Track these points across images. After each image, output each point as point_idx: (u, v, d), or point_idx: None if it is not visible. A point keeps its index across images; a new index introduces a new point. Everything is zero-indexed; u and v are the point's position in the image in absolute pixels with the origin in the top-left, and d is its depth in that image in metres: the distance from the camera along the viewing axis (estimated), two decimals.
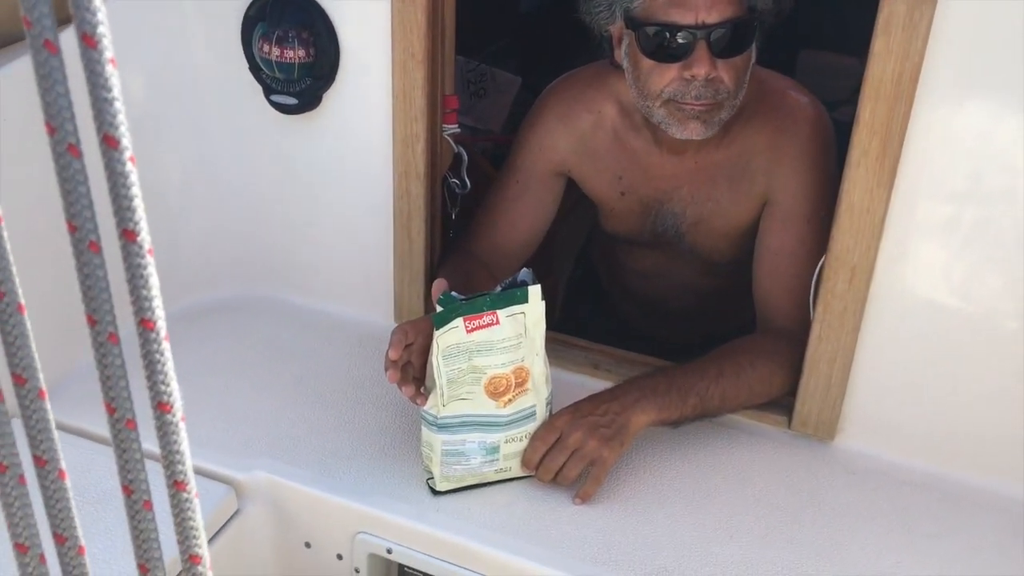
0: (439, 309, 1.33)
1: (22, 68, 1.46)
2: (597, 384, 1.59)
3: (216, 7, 1.68)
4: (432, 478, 1.42)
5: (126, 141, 0.37)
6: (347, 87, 1.65)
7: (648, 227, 1.76)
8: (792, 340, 1.54)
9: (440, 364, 1.34)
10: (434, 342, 1.34)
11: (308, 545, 1.48)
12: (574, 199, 1.87)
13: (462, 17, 1.66)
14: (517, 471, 1.44)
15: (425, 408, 1.39)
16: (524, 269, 1.38)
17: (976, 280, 1.41)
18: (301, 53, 1.62)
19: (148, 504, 0.41)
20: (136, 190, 0.38)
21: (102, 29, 0.36)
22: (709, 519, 1.40)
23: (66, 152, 0.36)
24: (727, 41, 1.43)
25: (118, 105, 0.37)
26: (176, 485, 0.42)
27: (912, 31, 1.25)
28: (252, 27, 1.65)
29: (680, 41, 1.43)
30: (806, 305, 1.53)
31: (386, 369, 1.37)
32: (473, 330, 1.33)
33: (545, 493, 1.43)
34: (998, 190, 1.34)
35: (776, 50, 1.58)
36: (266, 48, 1.63)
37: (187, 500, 0.42)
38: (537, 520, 1.39)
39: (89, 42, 0.35)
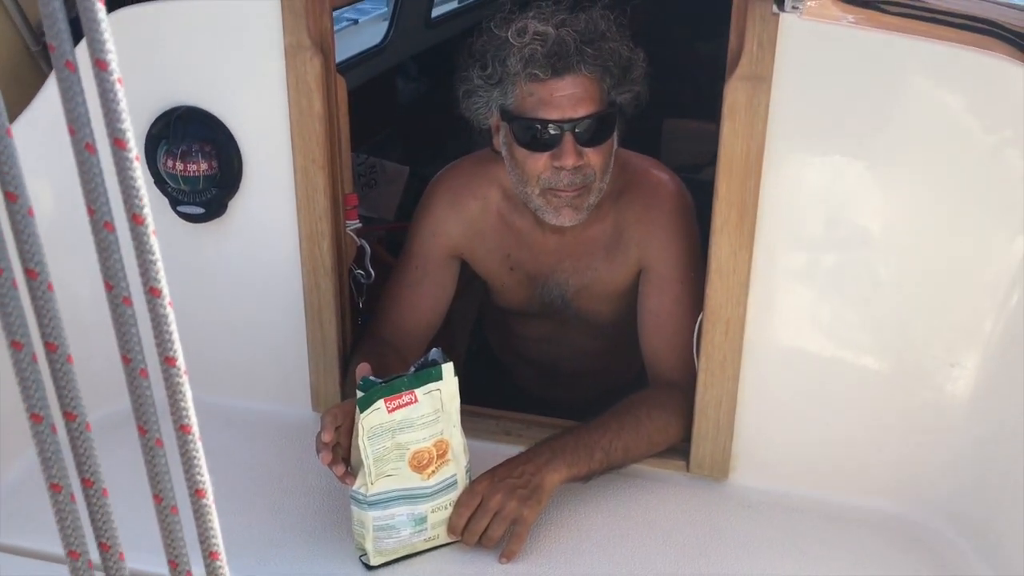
0: (360, 394, 1.43)
1: None
2: (510, 449, 1.70)
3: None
4: (365, 554, 1.50)
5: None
6: (252, 194, 1.76)
7: (537, 298, 1.92)
8: (682, 389, 1.70)
9: (366, 445, 1.43)
10: (358, 424, 1.43)
11: None
12: (467, 277, 2.00)
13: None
14: (444, 537, 1.54)
15: (354, 488, 1.47)
16: (434, 349, 1.50)
17: (836, 321, 1.60)
18: (205, 166, 1.72)
19: (175, 509, 0.51)
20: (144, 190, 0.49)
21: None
22: (624, 561, 1.52)
23: (102, 228, 0.47)
24: (591, 132, 1.61)
25: (144, 190, 0.49)
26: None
27: (753, 114, 1.45)
28: (155, 145, 1.74)
29: (550, 133, 1.60)
30: (690, 357, 1.70)
31: (318, 452, 1.45)
32: (394, 410, 1.44)
33: (472, 556, 1.52)
34: (845, 241, 1.54)
35: (643, 119, 1.76)
36: (170, 163, 1.73)
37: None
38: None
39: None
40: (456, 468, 1.52)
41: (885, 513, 1.64)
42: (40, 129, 1.65)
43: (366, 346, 1.81)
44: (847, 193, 1.51)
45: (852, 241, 1.54)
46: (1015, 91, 1.42)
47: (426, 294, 1.87)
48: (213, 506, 0.51)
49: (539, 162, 1.63)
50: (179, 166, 1.72)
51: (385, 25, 3.71)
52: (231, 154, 1.73)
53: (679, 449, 1.72)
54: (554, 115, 1.59)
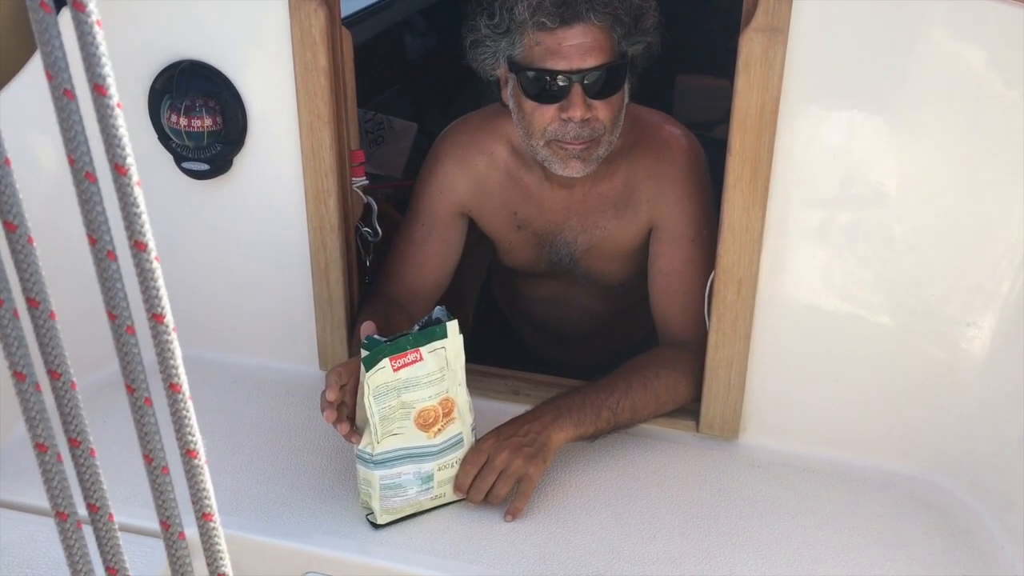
0: (364, 353, 1.42)
1: None
2: (518, 409, 1.69)
3: (120, 82, 1.74)
4: (372, 513, 1.50)
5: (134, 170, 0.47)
6: (257, 150, 1.74)
7: (545, 257, 1.89)
8: (692, 350, 1.68)
9: (372, 403, 1.42)
10: (364, 383, 1.42)
11: None
12: (476, 236, 1.98)
13: (355, 68, 1.76)
14: (451, 496, 1.53)
15: (360, 447, 1.47)
16: (438, 307, 1.49)
17: (849, 280, 1.57)
18: (209, 121, 1.70)
19: (166, 469, 0.50)
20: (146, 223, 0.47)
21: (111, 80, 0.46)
22: (632, 522, 1.52)
23: (84, 179, 0.46)
24: (600, 84, 1.57)
25: (126, 139, 0.47)
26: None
27: (768, 68, 1.42)
28: (159, 99, 1.72)
29: (558, 84, 1.56)
30: (701, 317, 1.67)
31: (323, 410, 1.44)
32: (399, 368, 1.43)
33: (479, 514, 1.52)
34: (860, 198, 1.51)
35: (655, 75, 1.72)
36: (174, 119, 1.70)
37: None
38: (475, 541, 1.48)
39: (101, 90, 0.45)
40: (462, 426, 1.51)
41: (896, 474, 1.63)
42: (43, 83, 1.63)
43: (372, 304, 1.80)
44: (864, 149, 1.48)
45: (868, 199, 1.51)
46: None
47: (433, 252, 1.85)
48: (205, 466, 0.50)
49: (547, 114, 1.59)
50: (183, 121, 1.70)
51: None
52: (235, 109, 1.70)
53: (689, 409, 1.71)
54: (562, 65, 1.55)
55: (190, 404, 0.51)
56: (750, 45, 1.41)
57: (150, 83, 1.72)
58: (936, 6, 1.39)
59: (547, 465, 1.52)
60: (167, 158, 1.76)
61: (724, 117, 1.51)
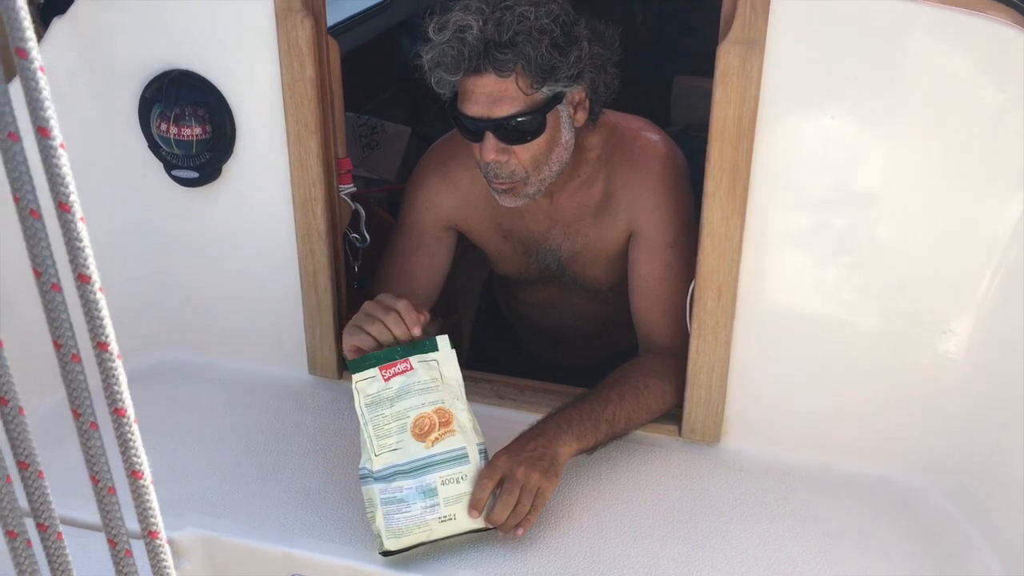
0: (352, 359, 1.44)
1: None
2: (504, 413, 1.72)
3: (111, 91, 1.77)
4: (380, 538, 1.44)
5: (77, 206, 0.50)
6: (245, 158, 1.76)
7: (533, 265, 1.92)
8: (673, 356, 1.70)
9: (364, 411, 1.44)
10: (354, 388, 1.45)
11: None
12: (466, 244, 2.01)
13: (348, 74, 1.78)
14: (463, 519, 1.44)
15: (360, 466, 1.46)
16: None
17: (828, 286, 1.59)
18: (198, 130, 1.72)
19: (112, 490, 0.53)
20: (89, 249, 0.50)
21: (54, 123, 0.48)
22: (613, 525, 1.54)
23: (28, 216, 0.48)
24: (512, 132, 1.57)
25: (70, 178, 0.49)
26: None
27: (746, 79, 1.44)
28: (149, 108, 1.74)
29: (474, 128, 1.59)
30: (682, 323, 1.69)
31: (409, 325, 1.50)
32: (390, 377, 1.45)
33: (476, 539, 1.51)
34: (837, 206, 1.53)
35: (653, 76, 1.73)
36: (164, 127, 1.73)
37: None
38: (454, 543, 1.49)
39: (44, 133, 0.47)
40: (464, 442, 1.46)
41: (875, 478, 1.65)
42: None
43: None
44: (840, 158, 1.50)
45: (845, 206, 1.53)
46: (1015, 56, 1.39)
47: (421, 264, 1.88)
48: (151, 486, 0.52)
49: (475, 150, 1.64)
50: (173, 130, 1.72)
51: None
52: (224, 118, 1.73)
53: (671, 414, 1.73)
54: (474, 111, 1.57)
55: (135, 427, 0.53)
56: (727, 57, 1.43)
57: (140, 92, 1.75)
58: (913, 18, 1.41)
59: (559, 480, 1.51)
60: (157, 166, 1.79)
61: None
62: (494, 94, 1.54)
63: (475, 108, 1.56)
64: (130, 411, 0.52)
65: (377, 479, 1.43)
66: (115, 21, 1.72)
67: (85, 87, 1.77)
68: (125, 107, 1.76)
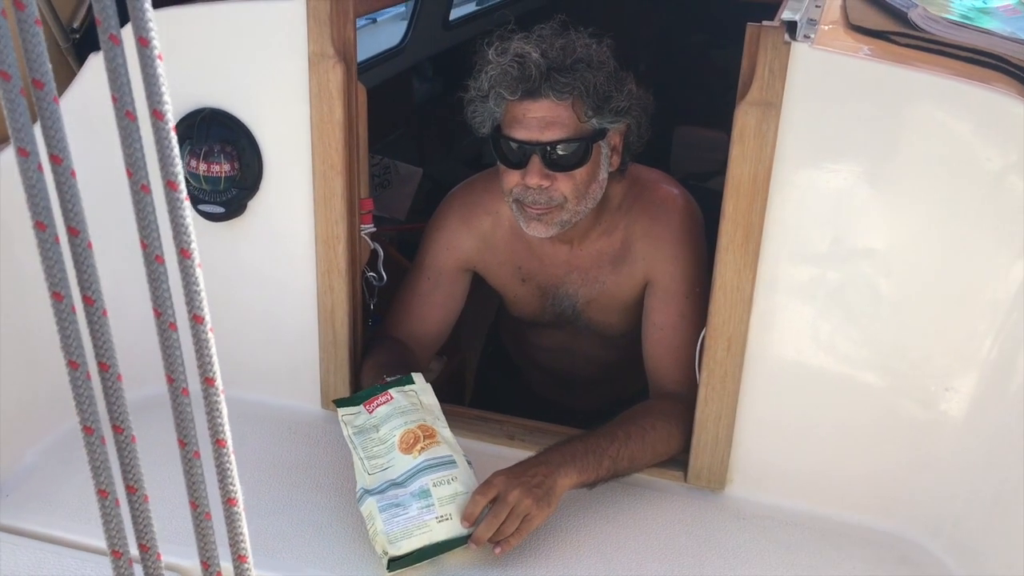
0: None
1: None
2: (514, 453, 1.75)
3: (143, 127, 1.81)
4: (384, 552, 1.50)
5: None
6: (271, 196, 1.81)
7: (548, 309, 1.97)
8: (684, 402, 1.74)
9: (353, 438, 1.59)
10: (341, 421, 1.62)
11: None
12: (475, 284, 2.05)
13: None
14: (459, 523, 1.52)
15: (356, 490, 1.57)
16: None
17: (835, 341, 1.64)
18: (227, 167, 1.77)
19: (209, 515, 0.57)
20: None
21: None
22: (620, 568, 1.57)
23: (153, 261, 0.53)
24: (560, 157, 1.65)
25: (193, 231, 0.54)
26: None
27: (762, 139, 1.50)
28: (180, 144, 1.79)
29: (519, 153, 1.65)
30: (692, 371, 1.74)
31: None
32: (373, 409, 1.61)
33: (474, 555, 1.56)
34: (846, 263, 1.58)
35: (653, 125, 1.79)
36: (193, 163, 1.77)
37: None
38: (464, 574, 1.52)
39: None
40: (450, 451, 1.58)
41: (876, 530, 1.68)
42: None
43: (387, 345, 1.90)
44: (851, 218, 1.55)
45: (854, 264, 1.58)
46: (1017, 125, 1.46)
47: (437, 304, 1.93)
48: (243, 513, 0.56)
49: (512, 177, 1.69)
50: (202, 166, 1.77)
51: (404, 25, 3.76)
52: (252, 156, 1.78)
53: (678, 460, 1.77)
54: (522, 135, 1.64)
55: (232, 457, 0.57)
56: (745, 118, 1.49)
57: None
58: (922, 87, 1.48)
59: (551, 511, 1.55)
60: None
61: (721, 168, 1.59)
62: (547, 118, 1.61)
63: (525, 132, 1.63)
64: (230, 442, 0.55)
65: (372, 493, 1.54)
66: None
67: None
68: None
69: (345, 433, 1.60)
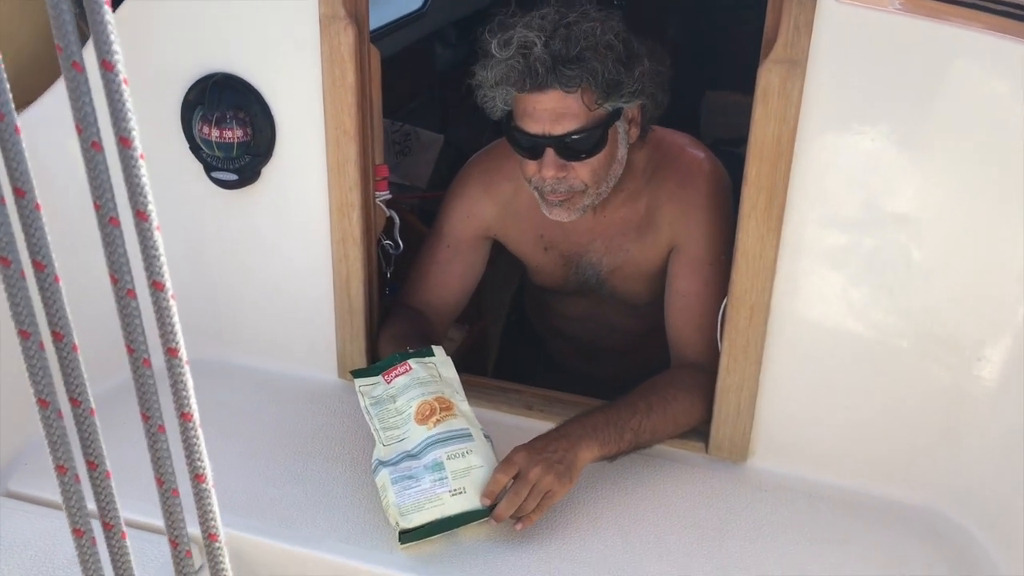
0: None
1: None
2: (532, 423, 1.72)
3: (154, 93, 1.79)
4: (396, 523, 1.49)
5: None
6: (284, 162, 1.78)
7: (572, 277, 1.93)
8: (705, 372, 1.70)
9: (369, 408, 1.57)
10: (358, 392, 1.58)
11: None
12: (498, 251, 2.01)
13: (383, 80, 1.79)
14: (473, 496, 1.49)
15: (372, 459, 1.56)
16: None
17: (861, 308, 1.59)
18: (239, 133, 1.74)
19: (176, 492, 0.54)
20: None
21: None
22: (639, 541, 1.54)
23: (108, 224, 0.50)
24: (574, 148, 1.59)
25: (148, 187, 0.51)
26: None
27: (786, 99, 1.44)
28: (191, 111, 1.77)
29: (533, 145, 1.60)
30: (715, 340, 1.69)
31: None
32: (391, 380, 1.57)
33: (488, 528, 1.54)
34: (873, 228, 1.52)
35: (683, 91, 1.74)
36: (206, 130, 1.75)
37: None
38: (482, 555, 1.50)
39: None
40: (467, 424, 1.55)
41: (902, 502, 1.64)
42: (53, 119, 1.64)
43: (401, 315, 1.87)
44: (879, 181, 1.50)
45: (881, 229, 1.53)
46: None
47: (456, 273, 1.90)
48: (212, 490, 0.53)
49: (529, 167, 1.65)
50: (214, 132, 1.75)
51: None
52: (265, 122, 1.75)
53: (699, 431, 1.73)
54: (535, 128, 1.58)
55: (200, 432, 0.54)
56: (768, 76, 1.43)
57: (183, 94, 1.77)
58: (955, 43, 1.41)
59: (572, 485, 1.52)
60: (197, 167, 1.81)
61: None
62: (557, 111, 1.55)
63: (536, 125, 1.57)
64: (196, 416, 0.53)
65: (386, 464, 1.52)
66: (160, 24, 1.75)
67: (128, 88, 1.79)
68: (167, 109, 1.78)
69: (362, 404, 1.58)
